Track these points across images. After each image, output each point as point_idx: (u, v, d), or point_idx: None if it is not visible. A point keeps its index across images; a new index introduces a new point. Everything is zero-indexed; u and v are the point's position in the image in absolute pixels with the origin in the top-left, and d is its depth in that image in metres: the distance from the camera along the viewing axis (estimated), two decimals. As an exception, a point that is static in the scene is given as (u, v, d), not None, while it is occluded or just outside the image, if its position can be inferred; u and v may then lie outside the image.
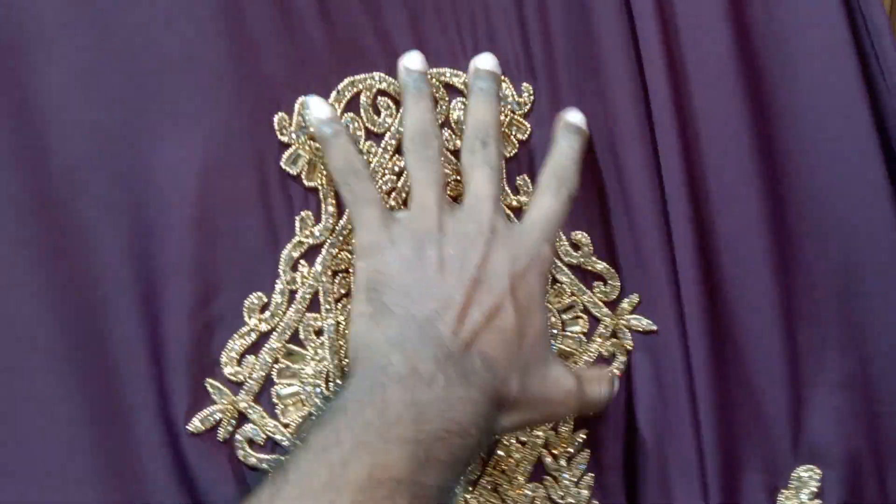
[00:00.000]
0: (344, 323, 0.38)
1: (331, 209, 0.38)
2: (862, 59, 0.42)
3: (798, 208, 0.43)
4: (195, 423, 0.36)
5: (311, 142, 0.37)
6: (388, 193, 0.39)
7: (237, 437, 0.37)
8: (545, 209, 0.38)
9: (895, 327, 0.45)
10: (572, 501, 0.42)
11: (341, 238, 0.38)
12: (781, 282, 0.43)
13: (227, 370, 0.37)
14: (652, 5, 0.39)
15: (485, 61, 0.39)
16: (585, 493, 0.42)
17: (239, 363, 0.37)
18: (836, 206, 0.43)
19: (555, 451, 0.42)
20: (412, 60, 0.38)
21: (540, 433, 0.42)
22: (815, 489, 0.44)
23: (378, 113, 0.39)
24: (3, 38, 0.33)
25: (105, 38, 0.34)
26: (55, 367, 0.34)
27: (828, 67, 0.42)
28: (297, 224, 0.38)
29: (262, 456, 0.37)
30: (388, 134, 0.39)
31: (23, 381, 0.34)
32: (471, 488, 0.41)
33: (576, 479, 0.42)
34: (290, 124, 0.37)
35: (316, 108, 0.36)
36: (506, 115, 0.41)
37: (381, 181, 0.39)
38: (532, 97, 0.41)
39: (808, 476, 0.44)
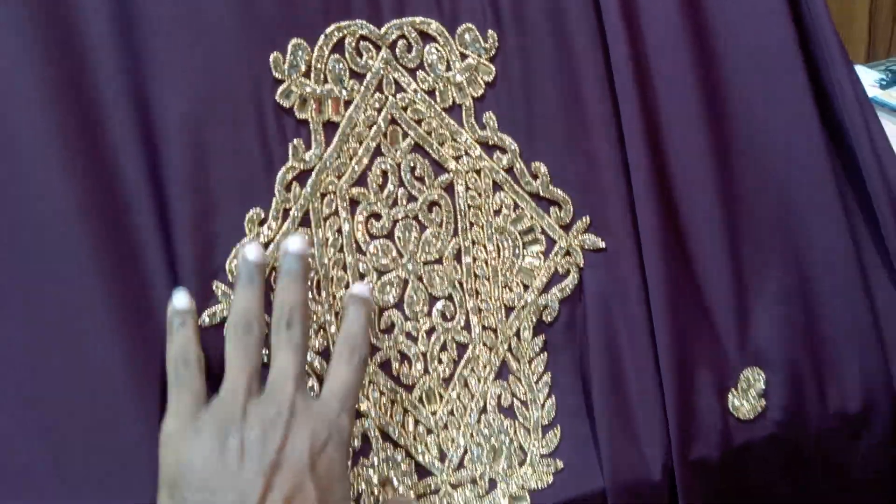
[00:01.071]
0: (331, 238, 0.45)
1: (319, 138, 0.44)
2: (798, 21, 0.48)
3: (740, 141, 0.49)
4: (204, 319, 0.42)
5: (303, 79, 0.43)
6: (370, 126, 0.45)
7: (240, 333, 0.43)
8: (341, 379, 0.40)
9: (829, 250, 0.51)
10: (532, 397, 0.48)
11: (328, 164, 0.44)
12: (726, 205, 0.49)
13: (232, 276, 0.43)
14: None
15: (293, 243, 0.41)
16: (544, 390, 0.49)
17: (242, 269, 0.43)
18: (773, 139, 0.49)
19: (517, 355, 0.49)
20: (250, 251, 0.41)
21: (503, 339, 0.48)
22: (762, 390, 0.50)
23: (360, 55, 0.45)
24: None
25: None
26: (91, 271, 0.40)
27: (765, 29, 0.47)
28: (290, 151, 0.44)
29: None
30: (369, 74, 0.45)
31: (64, 287, 0.40)
32: (444, 384, 0.47)
33: (535, 379, 0.49)
34: (284, 63, 0.43)
35: (179, 300, 0.40)
36: (473, 59, 0.47)
37: (363, 115, 0.45)
38: (497, 43, 0.47)
39: (754, 377, 0.50)
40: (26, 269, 0.40)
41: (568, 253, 0.49)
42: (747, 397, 0.49)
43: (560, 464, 0.47)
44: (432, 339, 0.47)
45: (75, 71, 0.40)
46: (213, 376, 0.40)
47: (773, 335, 0.49)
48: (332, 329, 0.45)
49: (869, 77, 1.02)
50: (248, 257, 0.41)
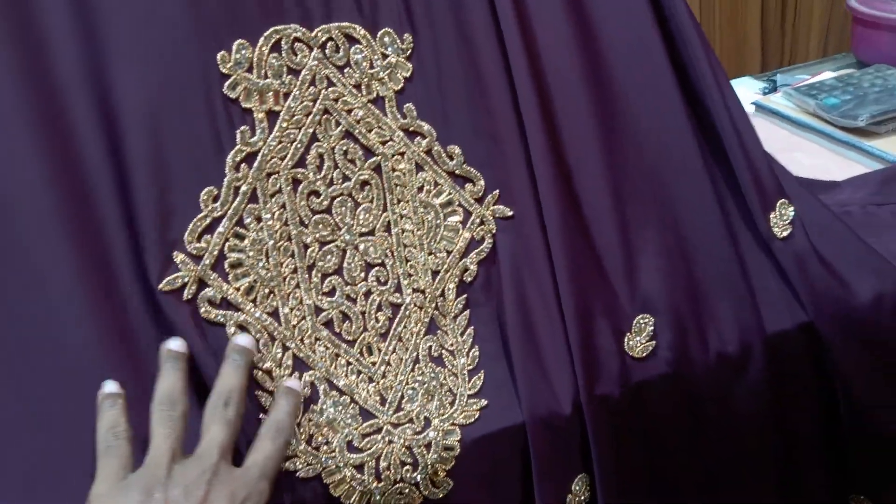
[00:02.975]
0: (277, 212, 0.51)
1: (263, 125, 0.51)
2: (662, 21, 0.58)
3: (621, 121, 0.59)
4: (164, 285, 0.48)
5: (247, 73, 0.50)
6: (307, 115, 0.52)
7: (198, 297, 0.49)
8: (264, 453, 0.45)
9: (697, 212, 0.60)
10: (458, 348, 0.55)
11: (272, 147, 0.51)
12: (611, 175, 0.58)
13: (190, 247, 0.49)
14: None
15: (241, 339, 0.48)
16: (469, 341, 0.56)
17: (199, 240, 0.49)
18: (647, 120, 0.59)
19: (444, 312, 0.56)
20: (174, 343, 0.46)
21: (431, 299, 0.55)
22: (651, 332, 0.58)
23: (295, 54, 0.52)
24: None
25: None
26: (55, 238, 0.45)
27: (634, 26, 0.58)
28: (238, 136, 0.50)
29: (218, 311, 0.49)
30: (304, 70, 0.52)
31: (33, 254, 0.45)
32: (381, 338, 0.54)
33: (460, 332, 0.56)
34: (230, 60, 0.50)
35: (108, 386, 0.45)
36: (393, 58, 0.55)
37: (300, 105, 0.52)
38: (412, 44, 0.55)
39: (644, 322, 0.58)
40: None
41: (482, 222, 0.57)
42: (640, 338, 0.58)
43: (484, 402, 0.54)
44: (369, 300, 0.54)
45: (35, 57, 0.46)
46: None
47: (657, 286, 0.58)
48: (281, 291, 0.51)
49: (754, 86, 1.16)
50: (171, 348, 0.46)
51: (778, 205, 0.62)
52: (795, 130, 0.99)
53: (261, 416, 0.49)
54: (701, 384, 0.61)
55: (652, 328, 0.58)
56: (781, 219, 0.62)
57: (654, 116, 0.58)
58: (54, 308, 0.45)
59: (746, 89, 1.17)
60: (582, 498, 0.57)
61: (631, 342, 0.57)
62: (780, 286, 0.62)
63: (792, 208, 0.62)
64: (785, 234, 0.62)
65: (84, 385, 0.45)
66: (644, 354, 0.58)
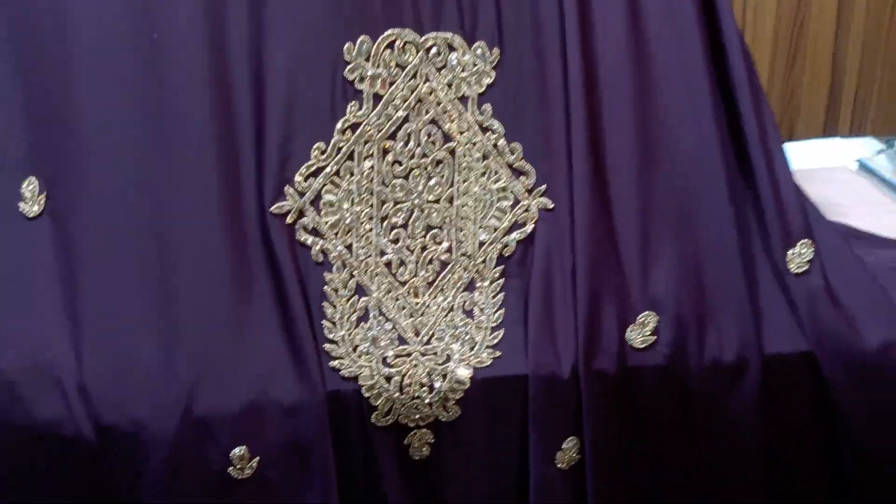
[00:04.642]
0: (366, 171, 0.66)
1: (369, 103, 0.66)
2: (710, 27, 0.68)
3: (660, 140, 0.69)
4: (274, 209, 0.64)
5: (364, 62, 0.66)
6: (404, 101, 0.67)
7: (297, 223, 0.65)
8: None
9: (716, 233, 0.70)
10: (488, 307, 0.68)
11: (372, 121, 0.66)
12: (643, 187, 0.68)
13: (298, 185, 0.65)
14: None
15: None
16: (497, 303, 0.68)
17: (305, 181, 0.65)
18: (683, 143, 0.69)
19: (483, 276, 0.69)
20: None
21: (474, 264, 0.68)
22: (654, 328, 0.68)
23: (405, 53, 0.67)
24: None
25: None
26: (206, 166, 0.63)
27: (684, 55, 0.68)
28: (348, 108, 0.66)
29: (308, 236, 0.65)
30: (409, 66, 0.67)
31: (188, 174, 0.63)
32: (427, 286, 0.68)
33: (492, 295, 0.69)
34: (354, 50, 0.65)
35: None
36: (481, 66, 0.68)
37: (400, 93, 0.66)
38: (499, 57, 0.68)
39: (649, 319, 0.68)
40: (168, 165, 0.63)
41: (527, 210, 0.69)
42: (642, 332, 0.68)
43: (498, 353, 0.67)
44: (424, 253, 0.68)
45: (217, 32, 0.64)
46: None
47: (667, 290, 0.68)
48: (358, 231, 0.66)
49: (874, 146, 1.18)
50: None
51: (799, 243, 0.69)
52: (887, 192, 1.03)
53: (322, 322, 0.64)
54: (694, 384, 0.69)
55: (655, 324, 0.68)
56: (799, 257, 0.69)
57: (689, 142, 0.68)
58: (199, 212, 0.62)
59: (862, 147, 1.19)
60: (571, 456, 0.68)
61: (632, 334, 0.68)
62: (788, 315, 0.70)
63: (812, 250, 0.69)
64: (800, 270, 0.69)
65: (211, 268, 0.62)
66: (644, 346, 0.68)
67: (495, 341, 0.68)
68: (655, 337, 0.68)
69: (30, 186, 0.64)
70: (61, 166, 0.64)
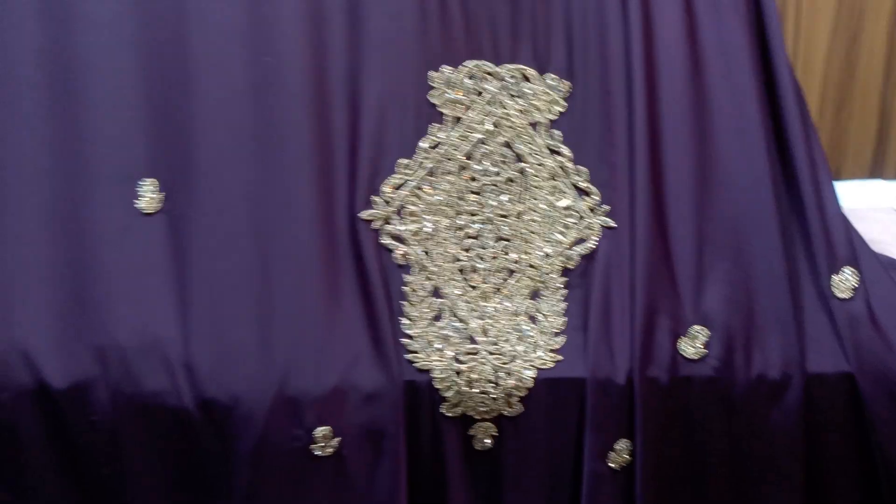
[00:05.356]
0: (446, 186, 0.73)
1: (449, 125, 0.74)
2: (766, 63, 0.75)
3: (716, 172, 0.75)
4: (363, 215, 0.72)
5: (446, 89, 0.73)
6: (480, 124, 0.74)
7: (382, 229, 0.73)
8: None
9: (765, 260, 0.75)
10: (552, 314, 0.74)
11: (452, 141, 0.74)
12: (699, 214, 0.74)
13: (385, 195, 0.73)
14: (641, 40, 0.73)
15: None
16: (561, 311, 0.74)
17: (392, 192, 0.73)
18: (739, 177, 0.75)
19: (547, 285, 0.75)
20: None
21: (540, 274, 0.74)
22: (704, 342, 0.73)
23: (483, 81, 0.75)
24: None
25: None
26: (305, 177, 0.71)
27: (740, 98, 0.74)
28: (431, 129, 0.73)
29: (391, 241, 0.73)
30: (486, 93, 0.74)
31: (289, 182, 0.71)
32: (496, 291, 0.74)
33: (556, 303, 0.75)
34: (437, 78, 0.73)
35: None
36: (553, 96, 0.75)
37: (478, 117, 0.74)
38: (570, 89, 0.76)
39: (700, 332, 0.73)
40: (272, 174, 0.71)
41: (590, 227, 0.75)
42: (693, 344, 0.73)
43: (560, 357, 0.73)
44: (495, 262, 0.75)
45: (319, 55, 0.72)
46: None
47: (718, 308, 0.73)
48: (436, 239, 0.73)
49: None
50: None
51: (843, 270, 0.74)
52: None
53: (401, 318, 0.71)
54: (740, 396, 0.74)
55: (706, 339, 0.73)
56: (844, 282, 0.74)
57: (744, 180, 0.74)
58: (297, 216, 0.70)
59: (905, 191, 1.23)
60: (623, 458, 0.73)
61: (684, 344, 0.73)
62: (831, 337, 0.75)
63: (857, 278, 0.74)
64: (844, 296, 0.74)
65: (305, 265, 0.70)
66: (696, 357, 0.73)
67: (557, 346, 0.73)
68: (707, 350, 0.73)
69: (149, 186, 0.72)
70: (178, 170, 0.72)
